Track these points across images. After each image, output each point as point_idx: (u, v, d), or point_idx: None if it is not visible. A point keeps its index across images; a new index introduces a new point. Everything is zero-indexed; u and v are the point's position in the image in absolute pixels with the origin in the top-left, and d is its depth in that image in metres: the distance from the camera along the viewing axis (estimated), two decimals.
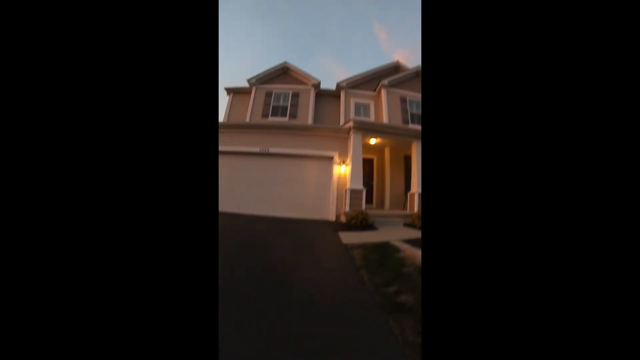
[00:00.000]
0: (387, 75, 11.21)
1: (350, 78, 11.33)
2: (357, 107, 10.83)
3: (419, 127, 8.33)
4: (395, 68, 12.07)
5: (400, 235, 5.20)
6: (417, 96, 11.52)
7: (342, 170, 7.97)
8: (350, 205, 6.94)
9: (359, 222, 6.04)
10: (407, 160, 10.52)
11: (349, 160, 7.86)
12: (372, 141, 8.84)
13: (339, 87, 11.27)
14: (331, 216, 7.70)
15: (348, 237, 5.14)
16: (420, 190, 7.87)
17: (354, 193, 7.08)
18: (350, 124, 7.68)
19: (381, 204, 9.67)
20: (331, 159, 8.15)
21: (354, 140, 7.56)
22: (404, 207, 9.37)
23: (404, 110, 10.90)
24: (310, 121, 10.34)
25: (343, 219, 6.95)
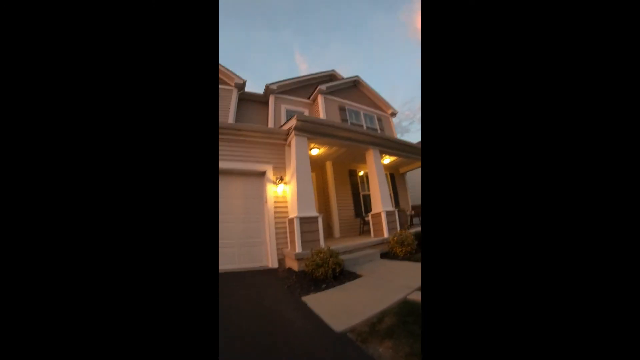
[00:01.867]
0: (322, 83, 9.51)
1: (282, 81, 9.17)
2: (289, 114, 8.63)
3: (372, 131, 6.59)
4: (331, 77, 10.56)
5: (402, 281, 2.99)
6: (356, 106, 10.17)
7: (280, 190, 5.45)
8: (302, 242, 4.42)
9: (331, 271, 3.55)
10: (352, 175, 8.69)
11: (289, 177, 5.41)
12: (314, 151, 6.67)
13: (268, 90, 8.93)
14: (271, 262, 4.98)
15: (337, 314, 2.58)
16: (386, 209, 5.94)
17: (306, 223, 4.60)
18: (292, 123, 5.33)
19: (329, 233, 7.41)
20: (263, 174, 5.55)
21: (297, 145, 5.20)
22: (360, 232, 7.31)
23: (344, 120, 9.29)
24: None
25: (295, 265, 4.35)
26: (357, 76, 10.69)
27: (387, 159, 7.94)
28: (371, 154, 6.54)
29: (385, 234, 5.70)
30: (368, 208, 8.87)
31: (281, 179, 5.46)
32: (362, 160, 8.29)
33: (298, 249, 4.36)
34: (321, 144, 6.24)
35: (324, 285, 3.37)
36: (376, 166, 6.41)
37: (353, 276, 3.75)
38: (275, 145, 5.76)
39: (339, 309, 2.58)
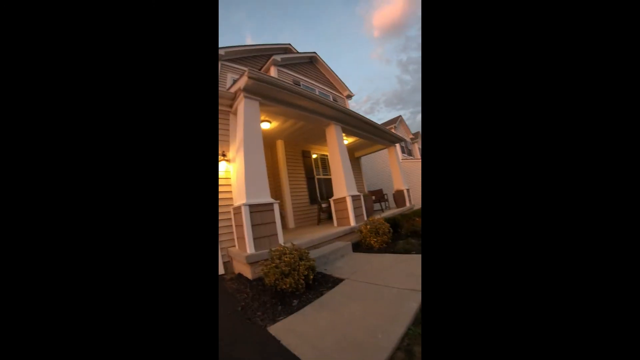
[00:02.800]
0: (276, 55, 8.12)
1: (231, 47, 7.50)
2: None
3: (336, 104, 5.59)
4: (286, 50, 9.17)
5: (400, 280, 2.14)
6: (311, 83, 9.07)
7: (222, 170, 4.14)
8: (255, 239, 3.25)
9: (302, 280, 2.49)
10: (306, 156, 7.66)
11: (234, 152, 4.12)
12: (265, 125, 5.43)
13: None
14: None
15: (335, 356, 1.55)
16: (351, 193, 5.08)
17: (258, 212, 3.42)
18: (241, 83, 3.99)
19: (282, 224, 6.30)
20: None
21: (246, 111, 3.91)
22: (318, 221, 6.38)
23: None
24: None
25: (247, 270, 3.17)
26: (314, 52, 9.55)
27: (345, 140, 7.09)
28: (333, 131, 5.57)
29: (352, 223, 4.85)
30: (324, 194, 8.00)
31: (223, 154, 4.13)
32: (317, 139, 7.34)
33: (250, 248, 3.18)
34: (274, 115, 5.04)
35: (295, 302, 2.31)
36: (339, 144, 5.47)
37: (331, 281, 2.76)
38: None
39: (334, 343, 1.56)
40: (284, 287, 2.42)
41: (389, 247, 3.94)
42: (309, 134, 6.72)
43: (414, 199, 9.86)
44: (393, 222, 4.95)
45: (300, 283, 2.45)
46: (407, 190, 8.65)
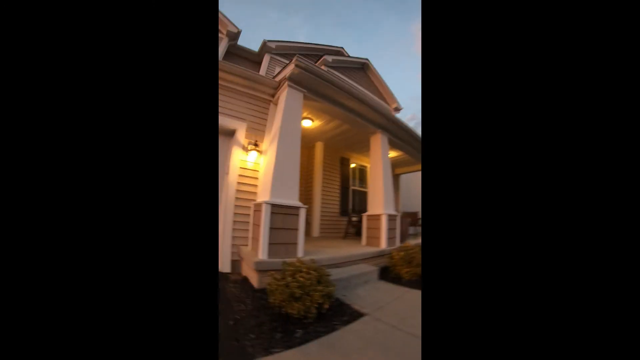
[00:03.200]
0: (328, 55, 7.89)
1: (283, 42, 7.43)
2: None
3: (386, 111, 5.07)
4: (338, 52, 8.92)
5: None
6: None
7: (252, 161, 3.83)
8: (270, 244, 2.83)
9: (315, 308, 2.00)
10: (344, 164, 7.19)
11: (268, 144, 3.80)
12: (306, 123, 5.08)
13: (264, 47, 7.16)
14: (221, 263, 3.35)
15: None
16: (388, 212, 4.50)
17: (281, 215, 3.01)
18: (288, 71, 3.70)
19: (306, 230, 5.87)
20: (231, 135, 3.88)
21: (287, 101, 3.58)
22: (345, 235, 5.85)
23: None
24: None
25: (254, 277, 2.76)
26: (366, 59, 9.17)
27: (390, 153, 6.53)
28: (378, 140, 5.05)
29: (383, 244, 4.26)
30: (357, 207, 7.45)
31: (255, 144, 3.82)
32: (359, 147, 6.84)
33: (262, 253, 2.77)
34: (318, 112, 4.66)
35: (299, 333, 1.83)
36: (382, 156, 4.93)
37: (349, 313, 2.23)
38: (256, 98, 4.09)
39: None
40: (291, 311, 1.95)
41: (420, 281, 3.29)
42: (352, 140, 6.25)
43: None
44: None
45: (312, 311, 1.97)
46: None
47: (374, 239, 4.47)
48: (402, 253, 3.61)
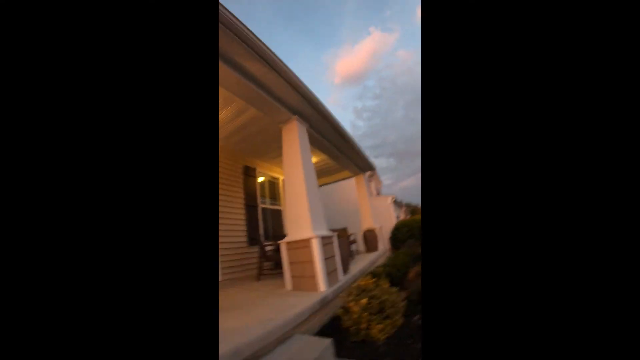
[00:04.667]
0: None
1: None
2: None
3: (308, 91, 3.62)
4: None
5: None
6: None
7: None
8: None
9: None
10: (249, 174, 5.46)
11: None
12: None
13: None
14: None
15: None
16: (320, 233, 2.96)
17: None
18: None
19: None
20: None
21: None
22: (259, 274, 4.01)
23: None
24: None
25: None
26: None
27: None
28: (295, 130, 3.53)
29: (322, 286, 2.67)
30: (271, 231, 5.71)
31: None
32: (268, 151, 5.23)
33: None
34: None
35: None
36: (302, 152, 3.42)
37: None
38: None
39: None
40: None
41: (404, 338, 1.83)
42: (260, 138, 4.60)
43: (384, 240, 8.02)
44: (390, 279, 2.88)
45: None
46: (380, 228, 6.81)
47: (304, 279, 2.82)
48: (363, 300, 2.08)
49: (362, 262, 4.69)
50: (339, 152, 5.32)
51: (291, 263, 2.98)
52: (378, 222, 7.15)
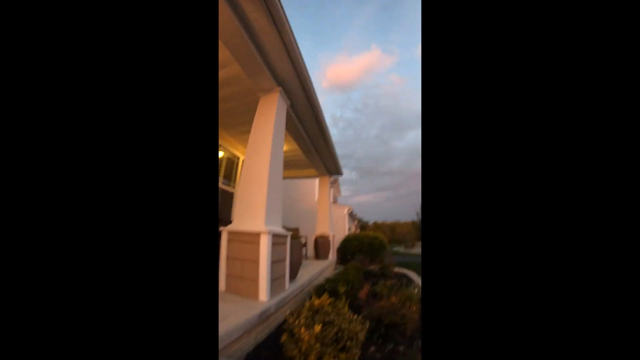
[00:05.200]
0: None
1: None
2: None
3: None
4: None
5: None
6: None
7: None
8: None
9: None
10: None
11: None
12: None
13: None
14: None
15: None
16: (273, 228, 2.44)
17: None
18: None
19: None
20: None
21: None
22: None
23: None
24: None
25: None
26: None
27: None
28: (274, 105, 2.97)
29: (264, 295, 2.14)
30: (222, 212, 4.99)
31: None
32: (241, 124, 4.58)
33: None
34: None
35: None
36: (275, 131, 2.87)
37: None
38: None
39: None
40: None
41: None
42: (231, 104, 3.92)
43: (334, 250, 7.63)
44: (349, 298, 2.43)
45: None
46: (333, 237, 6.42)
47: (243, 281, 2.26)
48: (317, 326, 1.58)
49: (311, 269, 4.23)
50: (312, 146, 4.84)
51: (230, 258, 2.39)
52: (332, 230, 6.77)
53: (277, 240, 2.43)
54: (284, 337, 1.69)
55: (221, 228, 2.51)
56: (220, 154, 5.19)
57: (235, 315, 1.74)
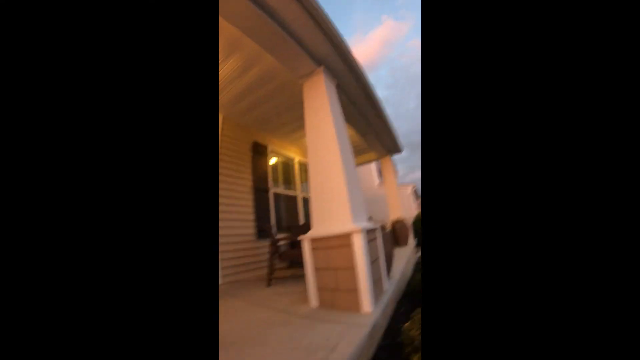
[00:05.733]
0: None
1: None
2: None
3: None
4: None
5: None
6: None
7: None
8: None
9: None
10: (259, 153, 4.57)
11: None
12: None
13: None
14: None
15: None
16: (362, 224, 2.04)
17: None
18: None
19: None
20: None
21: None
22: (269, 280, 3.14)
23: None
24: None
25: None
26: None
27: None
28: (321, 85, 2.60)
29: (369, 305, 1.77)
30: (284, 221, 4.85)
31: None
32: (283, 125, 4.33)
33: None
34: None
35: None
36: (333, 113, 2.49)
37: None
38: None
39: None
40: None
41: None
42: (272, 103, 3.67)
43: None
44: None
45: None
46: (408, 220, 5.88)
47: (340, 293, 1.93)
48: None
49: (397, 260, 3.78)
50: (367, 125, 4.36)
51: (318, 269, 2.08)
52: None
53: (369, 236, 2.06)
54: (414, 358, 1.31)
55: (301, 237, 2.22)
56: (273, 160, 5.02)
57: (345, 341, 1.40)
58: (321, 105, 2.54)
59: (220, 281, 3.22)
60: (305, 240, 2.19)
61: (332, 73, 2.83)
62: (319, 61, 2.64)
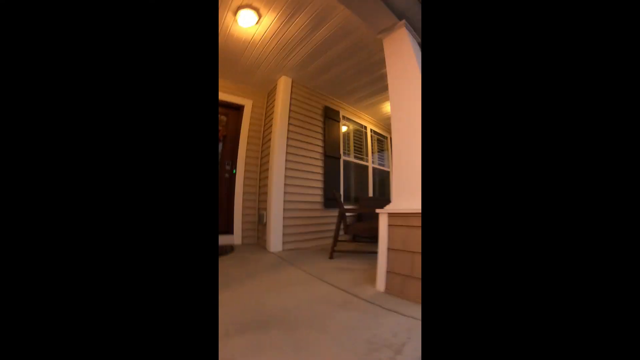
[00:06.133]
0: None
1: None
2: None
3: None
4: None
5: None
6: None
7: None
8: None
9: None
10: (330, 118, 4.37)
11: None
12: (248, 18, 2.16)
13: None
14: None
15: None
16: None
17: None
18: None
19: (258, 241, 3.13)
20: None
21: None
22: (332, 251, 3.04)
23: None
24: None
25: None
26: None
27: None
28: (405, 41, 2.19)
29: None
30: (353, 192, 4.68)
31: None
32: (355, 90, 3.99)
33: None
34: None
35: None
36: (418, 72, 2.08)
37: None
38: None
39: None
40: None
41: None
42: (345, 65, 3.36)
43: None
44: None
45: None
46: None
47: (414, 281, 1.69)
48: None
49: None
50: None
51: (391, 249, 1.86)
52: None
53: None
54: None
55: (378, 210, 1.98)
56: (344, 128, 4.77)
57: (414, 343, 1.19)
58: (407, 63, 2.15)
59: (280, 248, 3.27)
60: (383, 214, 1.95)
61: (413, 28, 2.36)
62: (400, 14, 2.21)
